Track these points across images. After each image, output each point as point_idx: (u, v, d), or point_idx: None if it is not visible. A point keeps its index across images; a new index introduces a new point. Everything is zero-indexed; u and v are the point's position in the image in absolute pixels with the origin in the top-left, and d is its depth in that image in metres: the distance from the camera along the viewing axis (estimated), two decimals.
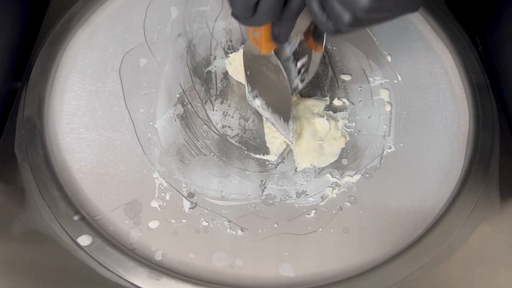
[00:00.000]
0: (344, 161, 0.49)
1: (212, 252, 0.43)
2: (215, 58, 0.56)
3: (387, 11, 0.35)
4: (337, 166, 0.49)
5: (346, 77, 0.55)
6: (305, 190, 0.47)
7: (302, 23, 0.41)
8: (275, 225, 0.45)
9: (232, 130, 0.50)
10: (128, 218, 0.44)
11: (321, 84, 0.54)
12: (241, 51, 0.49)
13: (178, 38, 0.57)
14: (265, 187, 0.47)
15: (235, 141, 0.50)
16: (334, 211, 0.46)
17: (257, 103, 0.49)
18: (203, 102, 0.52)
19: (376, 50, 0.57)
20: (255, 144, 0.50)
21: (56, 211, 0.44)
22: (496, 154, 0.50)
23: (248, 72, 0.47)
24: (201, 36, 0.57)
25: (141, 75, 0.54)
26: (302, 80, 0.45)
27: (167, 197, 0.46)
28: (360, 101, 0.53)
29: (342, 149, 0.50)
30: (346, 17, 0.34)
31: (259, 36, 0.40)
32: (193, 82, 0.54)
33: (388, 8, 0.34)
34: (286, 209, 0.46)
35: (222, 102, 0.53)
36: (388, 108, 0.52)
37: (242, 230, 0.44)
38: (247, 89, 0.49)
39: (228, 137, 0.50)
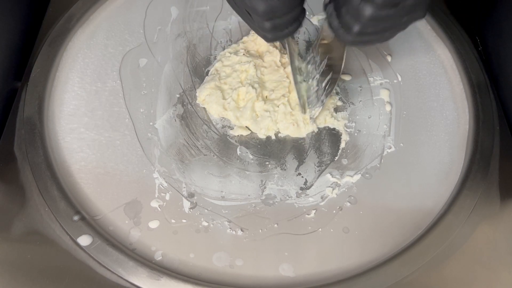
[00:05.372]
0: (344, 161, 0.49)
1: (212, 252, 0.43)
2: (215, 58, 0.55)
3: (392, 19, 0.35)
4: (337, 166, 0.49)
5: (346, 77, 0.55)
6: (305, 190, 0.47)
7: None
8: (275, 225, 0.45)
9: (232, 130, 0.50)
10: (128, 218, 0.44)
11: None
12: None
13: (178, 38, 0.57)
14: (265, 187, 0.47)
15: (235, 141, 0.50)
16: (334, 211, 0.46)
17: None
18: None
19: (376, 50, 0.57)
20: (255, 144, 0.50)
21: (56, 211, 0.44)
22: (496, 154, 0.50)
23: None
24: (201, 36, 0.57)
25: (141, 75, 0.54)
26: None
27: (167, 197, 0.46)
28: (360, 101, 0.53)
29: (342, 149, 0.50)
30: (356, 27, 0.36)
31: None
32: (193, 82, 0.54)
33: (392, 16, 0.35)
34: (286, 209, 0.46)
35: None
36: (388, 108, 0.52)
37: (242, 230, 0.44)
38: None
39: (228, 137, 0.50)
